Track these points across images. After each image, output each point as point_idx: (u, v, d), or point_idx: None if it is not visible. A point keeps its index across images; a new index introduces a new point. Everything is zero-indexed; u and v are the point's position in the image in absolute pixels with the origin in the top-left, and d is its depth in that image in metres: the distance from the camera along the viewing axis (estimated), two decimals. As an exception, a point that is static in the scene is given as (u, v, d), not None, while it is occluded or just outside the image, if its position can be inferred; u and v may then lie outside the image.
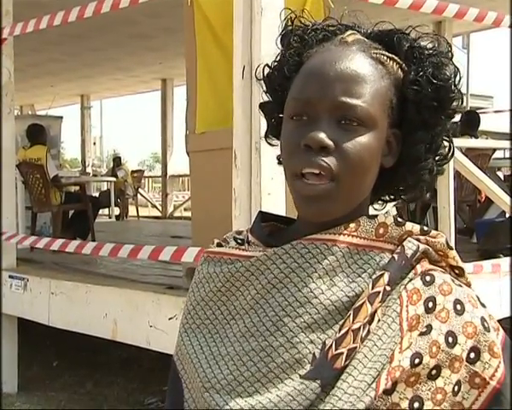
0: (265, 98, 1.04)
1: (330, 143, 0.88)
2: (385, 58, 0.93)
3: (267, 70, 1.02)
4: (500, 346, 0.86)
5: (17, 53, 4.94)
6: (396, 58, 0.94)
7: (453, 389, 0.84)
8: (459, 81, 0.95)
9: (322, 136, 0.87)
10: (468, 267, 3.78)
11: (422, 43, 0.95)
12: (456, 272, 0.93)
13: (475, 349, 0.85)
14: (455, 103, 0.95)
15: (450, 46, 0.97)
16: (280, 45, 1.01)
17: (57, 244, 4.41)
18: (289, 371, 0.86)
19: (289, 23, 1.01)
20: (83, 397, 4.69)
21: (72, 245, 4.33)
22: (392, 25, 0.98)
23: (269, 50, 2.97)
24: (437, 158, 0.96)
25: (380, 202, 1.02)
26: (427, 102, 0.92)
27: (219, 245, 1.03)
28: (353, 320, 0.85)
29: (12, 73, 4.83)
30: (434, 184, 1.01)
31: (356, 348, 0.84)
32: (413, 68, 0.93)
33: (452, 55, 0.96)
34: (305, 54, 0.96)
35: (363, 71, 0.90)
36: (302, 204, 0.91)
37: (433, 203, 5.27)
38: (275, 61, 1.01)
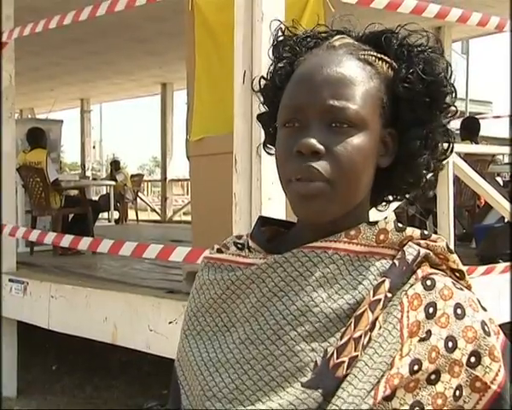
0: (262, 109, 1.05)
1: (321, 147, 0.88)
2: (373, 58, 0.93)
3: (263, 81, 1.02)
4: (500, 350, 0.87)
5: (17, 57, 4.95)
6: (385, 57, 0.94)
7: (454, 393, 0.84)
8: (451, 75, 0.94)
9: (313, 141, 0.88)
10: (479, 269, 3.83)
11: (412, 40, 0.95)
12: (457, 275, 0.94)
13: (476, 354, 0.85)
14: (448, 98, 0.94)
15: (440, 41, 0.98)
16: (272, 56, 1.01)
17: (49, 238, 4.45)
18: (291, 380, 0.86)
19: (280, 34, 1.01)
20: (82, 401, 4.70)
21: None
22: (383, 26, 0.97)
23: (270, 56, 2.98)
24: (435, 154, 0.96)
25: (383, 203, 1.02)
26: (419, 98, 0.92)
27: (219, 251, 1.03)
28: (354, 329, 0.85)
29: (13, 76, 4.84)
30: (436, 181, 1.00)
31: (357, 356, 0.84)
32: (403, 66, 0.93)
33: (442, 49, 0.96)
34: (295, 62, 0.97)
35: (351, 73, 0.91)
36: (298, 204, 0.91)
37: (432, 208, 5.28)
38: (268, 72, 1.02)
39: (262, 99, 1.03)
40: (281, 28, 1.01)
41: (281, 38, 1.01)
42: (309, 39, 0.98)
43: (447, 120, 0.96)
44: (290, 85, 0.94)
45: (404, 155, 0.94)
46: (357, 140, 0.89)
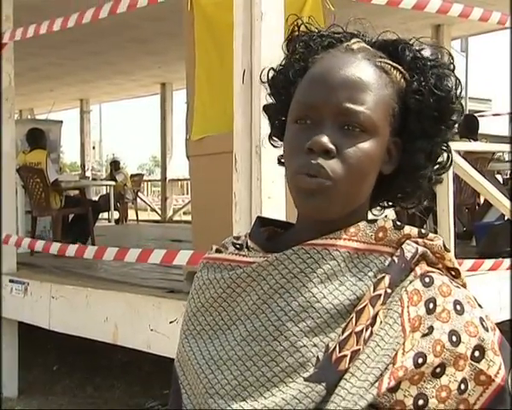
0: (269, 100, 1.05)
1: (332, 147, 0.89)
2: (389, 67, 0.95)
3: (272, 73, 1.03)
4: (497, 345, 0.89)
5: (17, 57, 4.95)
6: (399, 67, 0.96)
7: (459, 386, 0.86)
8: (460, 93, 0.96)
9: (325, 140, 0.89)
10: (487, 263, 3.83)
11: (425, 54, 0.97)
12: (453, 273, 0.95)
13: (480, 348, 0.87)
14: (455, 116, 0.96)
15: (453, 58, 0.99)
16: (285, 50, 1.03)
17: (55, 248, 4.45)
18: (294, 375, 0.87)
19: (295, 29, 1.02)
20: (83, 401, 4.70)
21: (55, 247, 4.40)
22: (396, 35, 0.99)
23: (269, 55, 2.98)
24: (436, 167, 0.98)
25: (378, 207, 1.04)
26: (428, 112, 0.94)
27: (218, 251, 1.04)
28: (356, 323, 0.87)
29: (12, 77, 4.84)
30: (432, 192, 1.02)
31: (359, 350, 0.86)
32: (416, 78, 0.95)
33: (454, 66, 0.98)
34: (310, 59, 0.97)
35: (368, 78, 0.92)
36: (301, 198, 0.92)
37: (432, 207, 5.28)
38: (280, 64, 1.03)
39: (269, 90, 1.04)
40: (297, 23, 1.02)
41: (296, 33, 1.02)
42: (323, 38, 0.99)
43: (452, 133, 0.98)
44: (305, 82, 0.95)
45: (408, 166, 0.96)
46: (367, 145, 0.91)
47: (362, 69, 0.92)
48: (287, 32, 1.04)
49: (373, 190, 0.97)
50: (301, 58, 0.99)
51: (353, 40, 0.98)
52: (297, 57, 0.99)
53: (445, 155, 0.99)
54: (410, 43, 0.98)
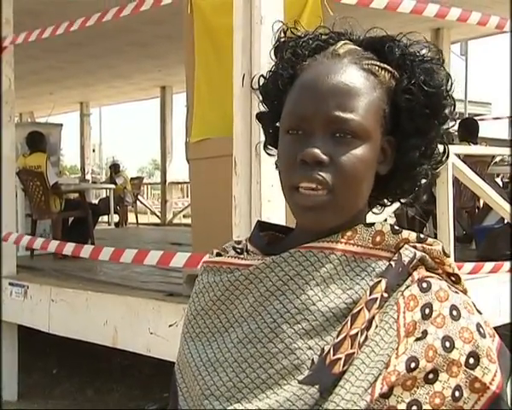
0: (261, 108, 1.05)
1: (325, 157, 0.89)
2: (376, 68, 0.94)
3: (263, 80, 1.03)
4: (496, 352, 0.88)
5: (17, 61, 4.96)
6: (388, 67, 0.95)
7: (453, 393, 0.85)
8: (451, 87, 0.96)
9: (317, 151, 0.89)
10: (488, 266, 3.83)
11: (414, 49, 0.96)
12: (453, 279, 0.95)
13: (474, 354, 0.86)
14: (447, 110, 0.96)
15: (441, 52, 0.98)
16: (273, 57, 1.02)
17: (52, 246, 4.47)
18: (288, 378, 0.87)
19: (282, 35, 1.01)
20: (83, 404, 4.70)
21: (53, 245, 4.41)
22: (384, 31, 0.98)
23: (268, 59, 2.98)
24: (432, 162, 0.98)
25: (378, 206, 1.03)
26: (419, 109, 0.93)
27: (218, 255, 1.04)
28: (351, 326, 0.86)
29: (12, 80, 4.85)
30: (431, 186, 1.03)
31: (354, 353, 0.85)
32: (405, 76, 0.94)
33: (443, 60, 0.97)
34: (298, 66, 0.97)
35: (356, 84, 0.92)
36: (300, 214, 0.93)
37: (432, 210, 5.28)
38: (270, 71, 1.02)
39: (261, 98, 1.04)
40: (283, 29, 1.01)
41: (283, 40, 1.01)
42: (310, 41, 0.98)
43: (450, 126, 0.97)
44: (294, 92, 0.94)
45: (404, 164, 0.96)
46: (359, 151, 0.90)
47: (349, 75, 0.92)
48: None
49: (371, 190, 0.96)
50: (289, 65, 0.98)
51: (340, 43, 0.97)
52: (285, 65, 0.98)
53: (442, 148, 0.98)
54: (398, 39, 0.97)
